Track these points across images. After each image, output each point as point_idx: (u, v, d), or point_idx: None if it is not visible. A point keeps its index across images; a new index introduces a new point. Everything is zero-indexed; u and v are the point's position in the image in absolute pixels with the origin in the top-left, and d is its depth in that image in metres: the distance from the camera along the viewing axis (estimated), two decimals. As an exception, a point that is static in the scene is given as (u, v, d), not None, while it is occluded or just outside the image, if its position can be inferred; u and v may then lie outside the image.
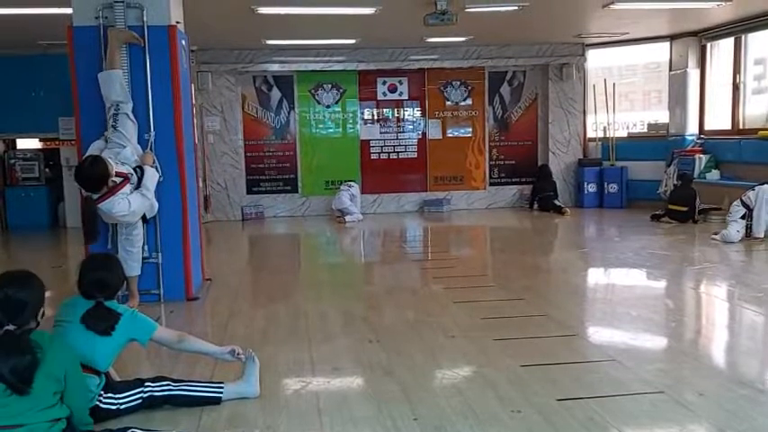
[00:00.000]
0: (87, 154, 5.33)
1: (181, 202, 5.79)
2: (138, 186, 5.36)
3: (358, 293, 6.37)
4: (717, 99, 10.94)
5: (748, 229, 8.04)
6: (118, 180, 5.19)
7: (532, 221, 11.01)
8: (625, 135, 12.04)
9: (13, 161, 11.31)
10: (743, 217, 8.05)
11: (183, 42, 6.02)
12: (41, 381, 2.67)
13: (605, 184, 11.85)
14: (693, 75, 11.06)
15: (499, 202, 12.52)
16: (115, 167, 5.19)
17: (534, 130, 12.54)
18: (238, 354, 3.55)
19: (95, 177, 5.10)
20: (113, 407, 3.26)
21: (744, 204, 8.09)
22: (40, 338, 2.75)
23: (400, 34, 10.28)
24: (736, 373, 3.85)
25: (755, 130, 9.84)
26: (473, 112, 12.41)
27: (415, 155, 12.38)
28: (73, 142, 9.97)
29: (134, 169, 5.39)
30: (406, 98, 12.28)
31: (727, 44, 10.62)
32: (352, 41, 10.91)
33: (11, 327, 2.70)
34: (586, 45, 11.92)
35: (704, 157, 10.59)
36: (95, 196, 5.14)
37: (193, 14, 6.78)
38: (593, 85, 12.13)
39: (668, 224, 9.63)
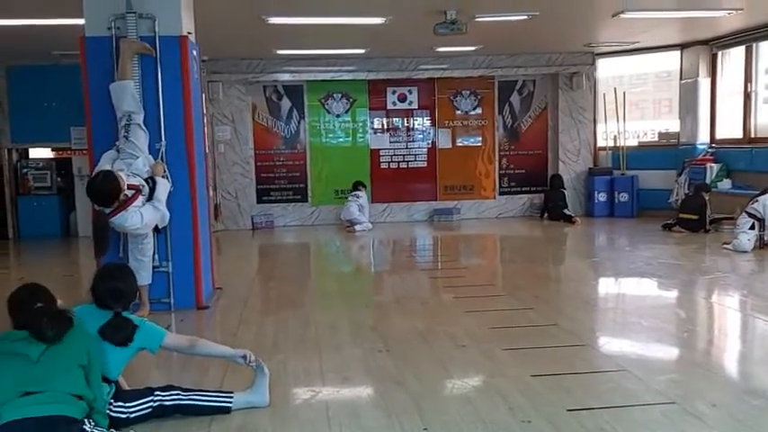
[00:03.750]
0: (99, 166, 5.35)
1: (191, 212, 5.81)
2: (149, 198, 5.38)
3: (368, 303, 6.36)
4: (728, 108, 10.89)
5: (761, 238, 8.02)
6: (129, 193, 5.20)
7: (543, 231, 10.98)
8: (635, 144, 12.01)
9: (25, 170, 11.41)
10: (752, 227, 8.03)
11: (195, 52, 6.06)
12: (68, 347, 2.90)
13: (616, 193, 11.81)
14: (704, 83, 11.03)
15: (509, 212, 12.50)
16: (126, 180, 5.20)
17: (544, 139, 12.53)
18: (250, 361, 3.55)
19: (107, 193, 5.11)
20: (123, 415, 3.27)
21: (751, 215, 8.06)
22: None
23: (410, 44, 10.31)
24: (749, 384, 3.82)
25: (767, 139, 9.78)
26: (483, 122, 12.42)
27: (425, 164, 12.39)
28: (85, 152, 10.04)
29: (145, 180, 5.42)
30: (416, 107, 12.30)
31: (738, 53, 10.59)
32: (362, 51, 10.94)
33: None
34: (596, 54, 11.91)
35: (715, 166, 10.55)
36: (107, 210, 5.16)
37: (204, 25, 6.82)
38: (604, 94, 12.12)
39: (679, 233, 9.57)
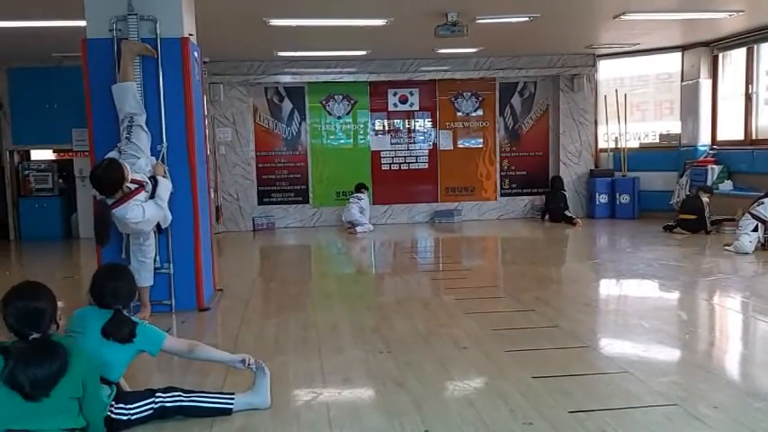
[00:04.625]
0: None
1: (192, 213, 5.81)
2: (152, 196, 5.38)
3: (369, 304, 6.36)
4: (729, 109, 10.89)
5: (765, 241, 8.02)
6: (133, 187, 5.23)
7: (544, 232, 10.98)
8: (637, 146, 12.00)
9: (26, 172, 11.41)
10: (754, 229, 8.03)
11: (196, 54, 6.07)
12: (61, 385, 2.73)
13: (617, 194, 11.81)
14: (705, 85, 11.03)
15: (510, 213, 12.50)
16: (131, 174, 5.23)
17: (545, 141, 12.53)
18: (249, 364, 3.55)
19: (110, 180, 5.12)
20: (124, 417, 3.27)
21: (755, 217, 8.06)
22: (61, 339, 2.85)
23: (411, 45, 10.32)
24: (752, 386, 3.81)
25: (768, 141, 9.80)
26: (484, 123, 12.42)
27: (426, 166, 12.40)
28: (86, 153, 10.06)
29: (148, 179, 5.43)
30: (417, 109, 12.31)
31: (739, 54, 10.59)
32: (364, 53, 10.95)
33: (36, 335, 2.78)
34: (597, 56, 11.92)
35: (717, 168, 10.54)
36: (110, 201, 5.16)
37: (206, 26, 6.83)
38: (605, 96, 12.12)
39: (681, 235, 9.57)
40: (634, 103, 11.99)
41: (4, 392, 2.68)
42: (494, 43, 10.24)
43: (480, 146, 12.46)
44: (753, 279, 6.90)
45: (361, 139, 12.28)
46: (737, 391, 3.70)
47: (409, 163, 12.37)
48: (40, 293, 2.88)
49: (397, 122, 12.30)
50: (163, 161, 5.64)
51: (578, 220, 11.26)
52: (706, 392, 3.62)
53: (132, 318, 3.40)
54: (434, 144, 12.39)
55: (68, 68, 10.24)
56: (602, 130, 12.32)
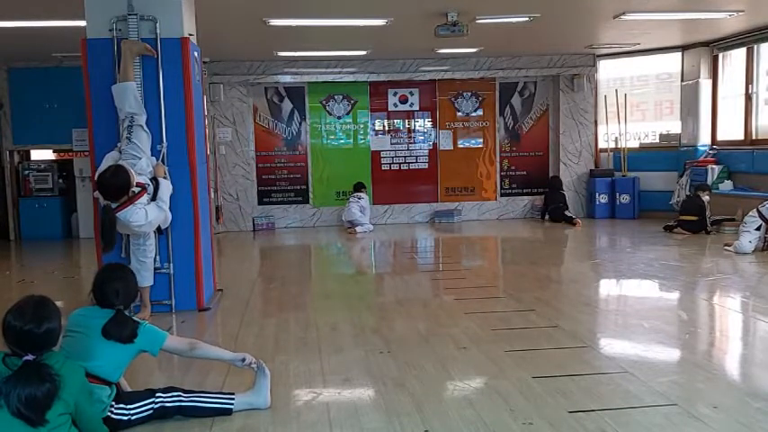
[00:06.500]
0: (102, 167, 5.34)
1: (192, 213, 5.82)
2: (153, 198, 5.38)
3: (369, 304, 6.35)
4: (729, 109, 10.90)
5: (766, 241, 8.01)
6: (136, 190, 5.24)
7: (544, 232, 10.98)
8: (637, 146, 12.01)
9: (26, 172, 11.41)
10: (758, 228, 8.01)
11: (196, 54, 6.07)
12: (53, 410, 2.68)
13: (617, 194, 11.81)
14: (705, 85, 11.03)
15: (510, 213, 12.50)
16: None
17: (545, 141, 12.53)
18: (249, 363, 3.55)
19: (118, 186, 5.12)
20: (124, 417, 3.27)
21: (761, 216, 8.03)
22: (54, 360, 2.76)
23: (411, 45, 10.32)
24: (751, 386, 3.81)
25: (768, 141, 9.79)
26: (484, 123, 12.42)
27: (426, 166, 12.40)
28: (86, 153, 10.06)
29: (150, 180, 5.43)
30: (417, 109, 12.31)
31: (739, 54, 10.59)
32: (364, 53, 10.96)
33: (30, 357, 2.70)
34: (598, 56, 11.92)
35: (717, 168, 10.55)
36: (114, 205, 5.16)
37: (206, 26, 6.84)
38: (605, 96, 12.12)
39: (681, 235, 9.57)
40: (634, 103, 12.00)
41: (8, 419, 2.62)
42: (494, 43, 10.25)
43: (480, 146, 12.46)
44: (752, 279, 6.90)
45: (361, 140, 12.28)
46: (737, 391, 3.70)
47: (409, 163, 12.38)
48: (44, 319, 2.75)
49: (397, 122, 12.31)
50: (163, 161, 5.65)
51: (578, 221, 11.26)
52: (706, 393, 3.63)
53: (133, 318, 3.41)
54: (434, 144, 12.39)
55: (68, 68, 10.27)
56: (602, 130, 12.32)
